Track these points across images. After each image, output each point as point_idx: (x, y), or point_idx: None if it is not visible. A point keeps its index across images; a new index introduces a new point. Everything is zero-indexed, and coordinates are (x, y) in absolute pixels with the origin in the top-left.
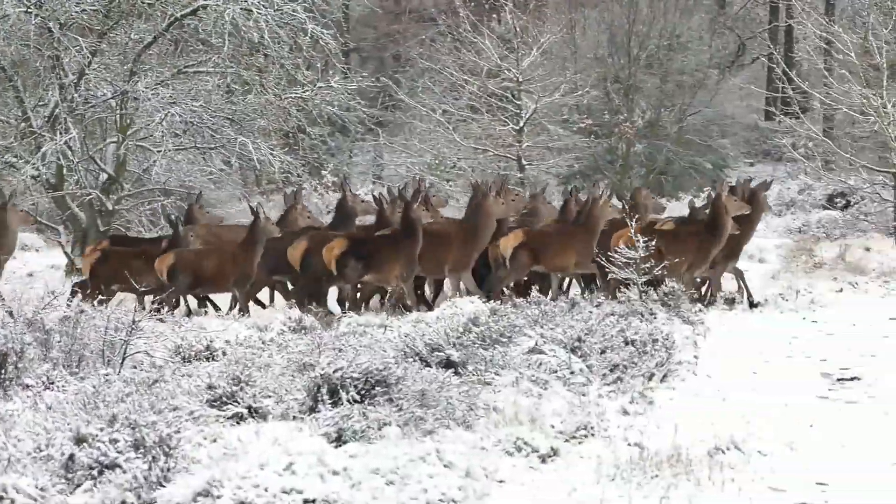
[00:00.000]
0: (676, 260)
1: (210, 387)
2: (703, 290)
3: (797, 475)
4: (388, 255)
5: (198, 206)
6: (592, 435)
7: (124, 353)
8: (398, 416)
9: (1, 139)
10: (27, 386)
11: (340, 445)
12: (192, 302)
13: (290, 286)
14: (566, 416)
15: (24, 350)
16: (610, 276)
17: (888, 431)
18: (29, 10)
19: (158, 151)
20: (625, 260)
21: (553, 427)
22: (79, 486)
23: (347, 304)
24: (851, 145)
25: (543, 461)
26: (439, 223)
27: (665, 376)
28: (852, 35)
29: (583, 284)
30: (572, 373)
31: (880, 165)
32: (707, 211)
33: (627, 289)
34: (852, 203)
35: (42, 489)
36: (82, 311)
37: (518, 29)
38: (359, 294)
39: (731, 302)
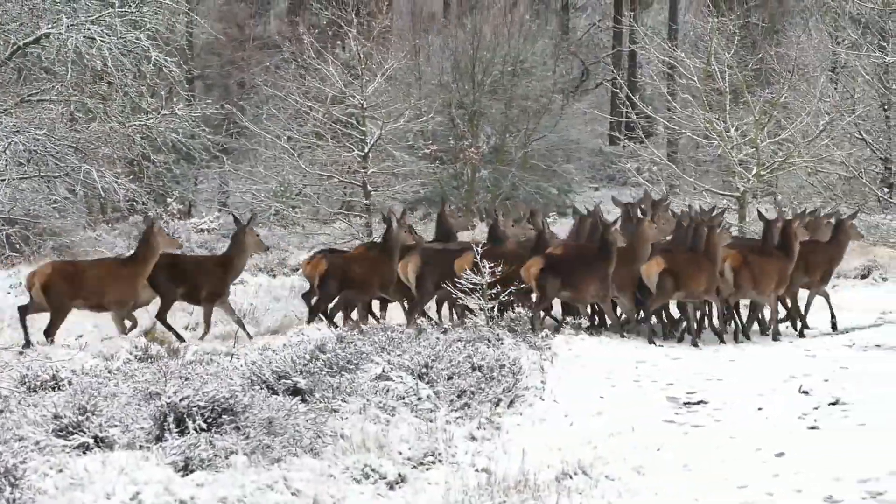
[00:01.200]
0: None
1: (56, 416)
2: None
3: (645, 499)
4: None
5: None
6: (440, 461)
7: None
8: (245, 445)
9: None
10: None
11: (188, 474)
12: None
13: None
14: (414, 442)
15: None
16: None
17: (734, 455)
18: None
19: (2, 180)
20: (470, 286)
21: (401, 454)
22: None
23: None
24: (695, 169)
25: (391, 488)
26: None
27: (512, 402)
28: (695, 60)
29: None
30: (420, 399)
31: (724, 189)
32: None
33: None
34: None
35: None
36: None
37: (362, 55)
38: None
39: (577, 327)
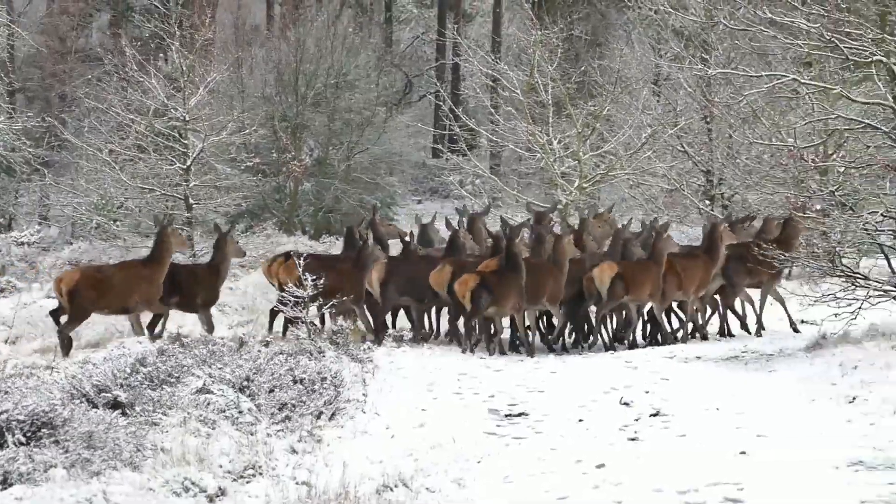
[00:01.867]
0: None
1: None
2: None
3: None
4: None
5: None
6: (261, 474)
7: None
8: (65, 458)
9: None
10: None
11: (6, 488)
12: None
13: None
14: (234, 455)
15: None
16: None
17: (554, 466)
18: None
19: None
20: (293, 298)
21: (221, 467)
22: None
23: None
24: (518, 182)
25: (211, 501)
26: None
27: (334, 414)
28: (518, 72)
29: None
30: (240, 412)
31: (546, 201)
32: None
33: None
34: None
35: None
36: None
37: (185, 68)
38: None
39: (399, 339)
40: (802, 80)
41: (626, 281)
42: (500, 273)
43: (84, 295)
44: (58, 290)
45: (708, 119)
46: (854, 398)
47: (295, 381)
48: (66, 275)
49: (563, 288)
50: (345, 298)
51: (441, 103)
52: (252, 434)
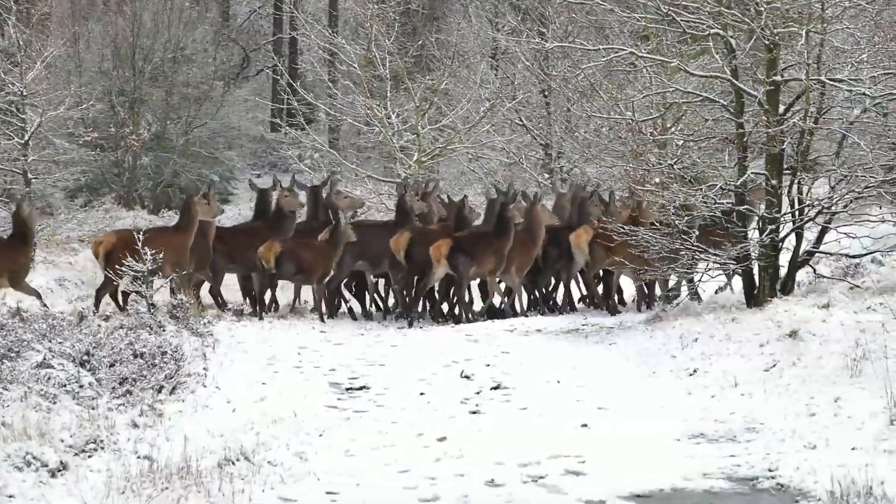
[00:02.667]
0: None
1: None
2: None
3: (308, 485)
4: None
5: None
6: (102, 448)
7: None
8: None
9: None
10: None
11: None
12: None
13: None
14: (76, 429)
15: None
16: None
17: (396, 440)
18: None
19: None
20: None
21: (62, 441)
22: None
23: None
24: (357, 156)
25: (53, 475)
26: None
27: (175, 388)
28: (356, 46)
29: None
30: (81, 386)
31: (386, 175)
32: None
33: None
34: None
35: None
36: None
37: (21, 43)
38: None
39: (239, 313)
40: (640, 54)
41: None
42: (481, 236)
43: (119, 257)
44: (96, 252)
45: (546, 93)
46: (695, 370)
47: (135, 356)
48: (105, 237)
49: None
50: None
51: (279, 77)
52: (93, 408)
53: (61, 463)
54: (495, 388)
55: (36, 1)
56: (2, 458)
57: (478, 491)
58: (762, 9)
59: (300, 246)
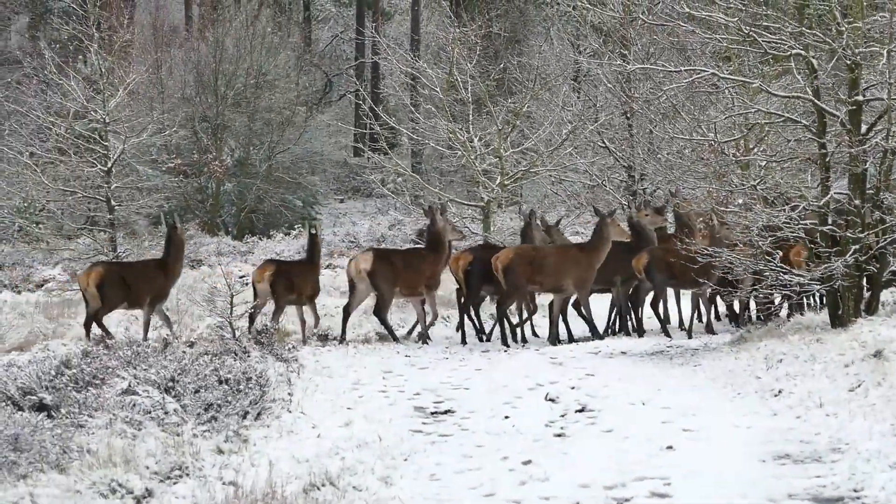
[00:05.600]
0: None
1: None
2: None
3: None
4: None
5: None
6: (187, 475)
7: None
8: None
9: None
10: None
11: None
12: None
13: None
14: (160, 456)
15: None
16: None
17: (481, 463)
18: None
19: None
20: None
21: (147, 468)
22: None
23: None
24: (440, 179)
25: (138, 502)
26: None
27: (259, 414)
28: (437, 70)
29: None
30: (166, 413)
31: (469, 199)
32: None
33: None
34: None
35: None
36: None
37: (104, 70)
38: None
39: (324, 338)
40: (722, 75)
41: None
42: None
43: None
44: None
45: (628, 114)
46: (780, 391)
47: (220, 382)
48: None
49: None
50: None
51: (361, 102)
52: (178, 435)
53: (147, 490)
54: (580, 410)
55: (118, 28)
56: (87, 485)
57: None
58: (843, 28)
59: None
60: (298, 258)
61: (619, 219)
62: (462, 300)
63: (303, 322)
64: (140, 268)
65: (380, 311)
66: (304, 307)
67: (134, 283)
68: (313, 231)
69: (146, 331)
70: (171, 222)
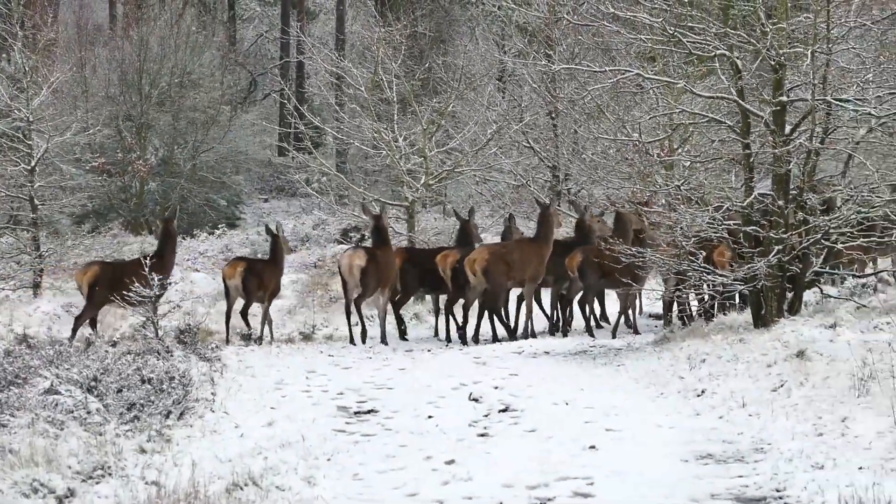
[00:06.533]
0: None
1: None
2: None
3: None
4: None
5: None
6: (110, 475)
7: None
8: None
9: None
10: None
11: None
12: None
13: None
14: (83, 456)
15: None
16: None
17: (404, 463)
18: None
19: None
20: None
21: (70, 468)
22: None
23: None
24: (365, 179)
25: (60, 502)
26: None
27: (182, 414)
28: (362, 70)
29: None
30: (89, 413)
31: (394, 199)
32: None
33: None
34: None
35: None
36: None
37: (27, 69)
38: None
39: (247, 338)
40: (646, 75)
41: None
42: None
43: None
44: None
45: (553, 115)
46: (703, 391)
47: (143, 381)
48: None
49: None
50: None
51: (286, 101)
52: (101, 434)
53: (69, 490)
54: (503, 410)
55: (42, 27)
56: (9, 485)
57: None
58: (768, 29)
59: None
60: (262, 258)
61: (596, 216)
62: (447, 299)
63: (269, 321)
64: (134, 266)
65: (358, 304)
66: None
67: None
68: (276, 232)
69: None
70: (167, 216)
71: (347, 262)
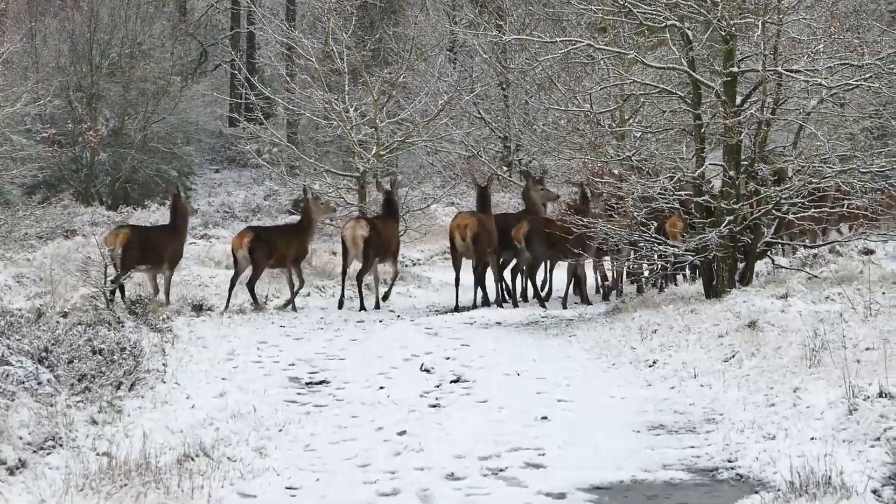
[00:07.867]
0: None
1: None
2: None
3: (267, 480)
4: None
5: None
6: (61, 445)
7: None
8: None
9: None
10: None
11: None
12: None
13: None
14: (34, 427)
15: None
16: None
17: (356, 434)
18: None
19: None
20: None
21: (21, 438)
22: None
23: None
24: (316, 150)
25: (12, 473)
26: None
27: (134, 385)
28: (313, 40)
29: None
30: (39, 383)
31: (345, 170)
32: None
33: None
34: None
35: None
36: None
37: None
38: None
39: (198, 308)
40: (597, 46)
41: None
42: None
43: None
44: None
45: (504, 85)
46: (654, 362)
47: (94, 352)
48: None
49: None
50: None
51: (236, 72)
52: (52, 405)
53: (20, 460)
54: (455, 381)
55: None
56: None
57: (438, 484)
58: (718, 0)
59: None
60: (278, 224)
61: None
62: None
63: (291, 285)
64: (160, 231)
65: (359, 279)
66: (293, 271)
67: (157, 246)
68: (303, 199)
69: (167, 292)
70: (175, 191)
71: (351, 233)
